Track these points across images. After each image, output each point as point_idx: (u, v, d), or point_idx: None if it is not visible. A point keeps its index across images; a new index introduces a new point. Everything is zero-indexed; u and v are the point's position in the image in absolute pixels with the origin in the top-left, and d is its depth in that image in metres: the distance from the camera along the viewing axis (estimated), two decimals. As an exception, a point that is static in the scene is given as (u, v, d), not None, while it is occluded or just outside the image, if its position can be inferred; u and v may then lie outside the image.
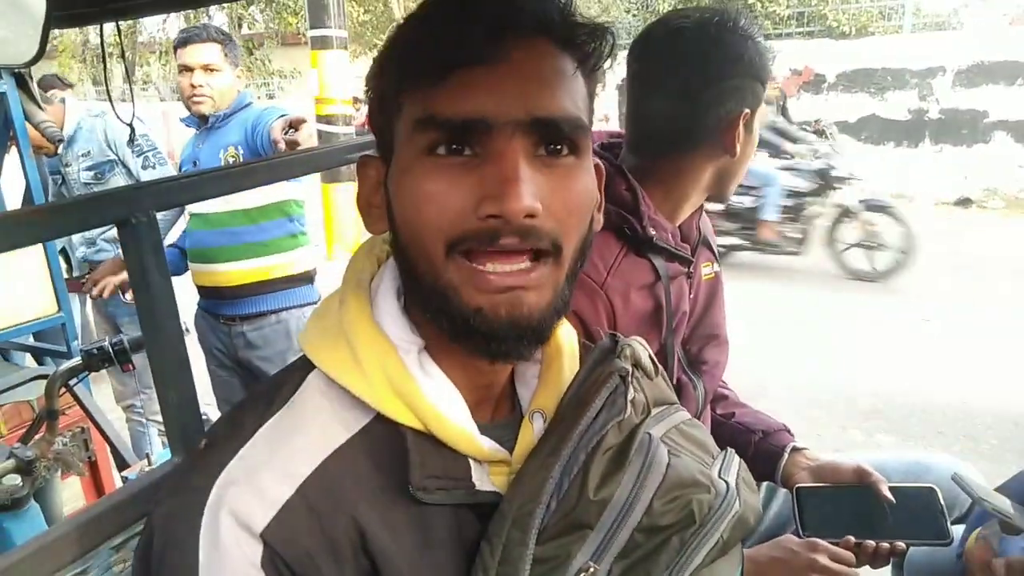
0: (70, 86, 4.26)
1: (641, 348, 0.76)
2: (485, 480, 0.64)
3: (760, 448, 1.31)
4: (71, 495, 2.19)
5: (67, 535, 0.75)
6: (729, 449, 0.79)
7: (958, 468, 1.15)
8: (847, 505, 1.14)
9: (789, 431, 1.34)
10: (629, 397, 0.68)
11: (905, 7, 11.89)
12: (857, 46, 10.33)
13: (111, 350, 1.67)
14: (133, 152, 2.90)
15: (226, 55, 2.42)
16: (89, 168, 2.93)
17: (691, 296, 1.26)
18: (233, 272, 2.41)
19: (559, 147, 0.60)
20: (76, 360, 1.70)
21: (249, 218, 2.38)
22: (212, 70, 2.38)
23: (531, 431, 0.68)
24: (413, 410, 0.61)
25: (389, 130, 0.63)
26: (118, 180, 2.94)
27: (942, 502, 1.10)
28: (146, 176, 2.90)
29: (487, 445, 0.64)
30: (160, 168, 2.93)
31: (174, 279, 2.60)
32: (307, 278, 2.54)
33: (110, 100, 1.70)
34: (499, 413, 0.72)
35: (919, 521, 1.09)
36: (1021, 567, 0.92)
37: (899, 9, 12.11)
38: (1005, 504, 0.96)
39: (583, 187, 0.62)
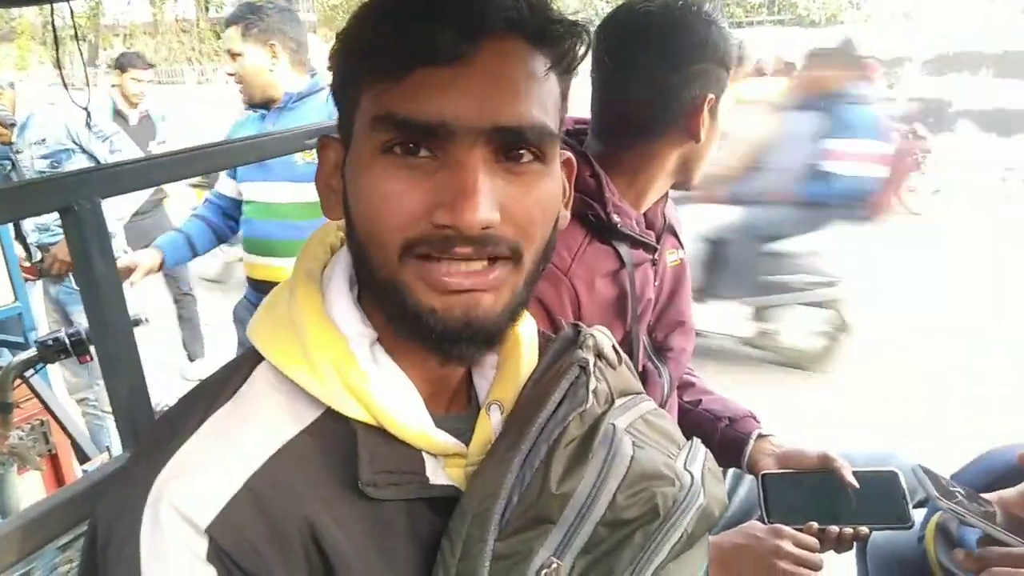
0: (151, 66, 4.28)
1: (604, 338, 0.75)
2: (440, 474, 0.63)
3: (726, 435, 1.32)
4: (30, 489, 2.14)
5: (8, 535, 0.72)
6: (695, 439, 0.79)
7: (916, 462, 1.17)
8: (811, 491, 1.14)
9: (755, 417, 1.34)
10: (591, 387, 0.67)
11: (874, -4, 12.02)
12: (827, 34, 10.42)
13: (67, 341, 1.62)
14: (97, 137, 2.82)
15: (245, 36, 2.18)
16: (45, 156, 2.86)
17: (656, 283, 1.25)
18: None
19: (521, 153, 0.58)
20: (31, 352, 1.65)
21: (316, 212, 2.20)
22: (235, 55, 2.21)
23: (488, 423, 0.67)
24: (364, 405, 0.60)
25: (348, 116, 0.61)
26: (74, 167, 2.86)
27: (904, 486, 1.12)
28: (114, 160, 2.81)
29: (440, 438, 0.63)
30: (126, 151, 2.87)
31: (199, 257, 2.44)
32: None
33: (64, 84, 1.64)
34: (456, 405, 0.70)
35: (882, 505, 1.11)
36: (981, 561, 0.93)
37: (868, -2, 12.24)
38: (960, 504, 0.97)
39: (546, 193, 0.60)
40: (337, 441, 0.60)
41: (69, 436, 2.05)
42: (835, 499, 1.13)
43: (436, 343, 0.58)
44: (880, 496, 1.11)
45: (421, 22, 0.54)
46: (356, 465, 0.58)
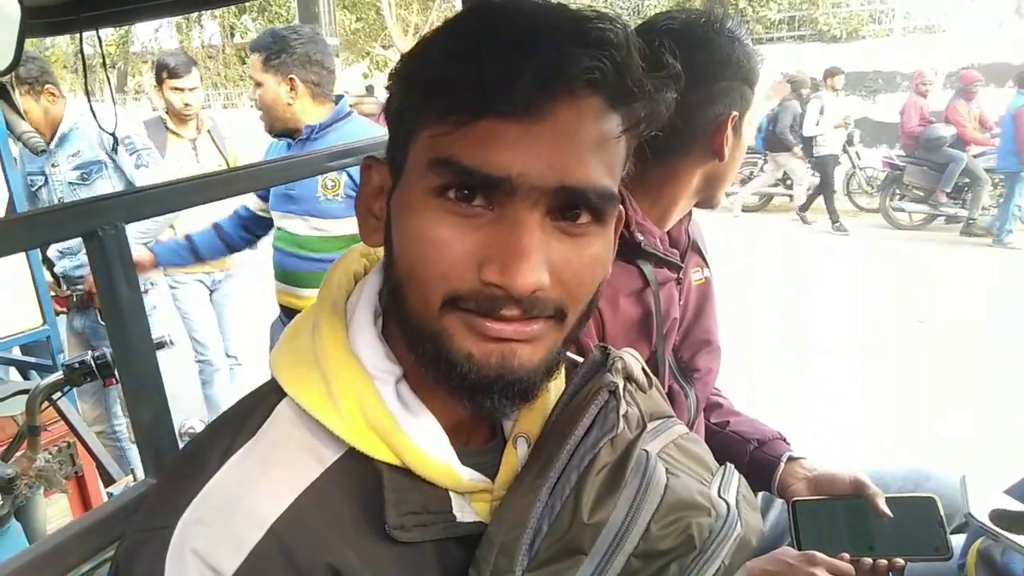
0: (192, 66, 3.60)
1: (634, 360, 0.73)
2: (467, 510, 0.61)
3: (755, 458, 1.29)
4: (58, 511, 2.15)
5: (32, 562, 0.71)
6: (728, 464, 0.76)
7: (964, 473, 1.13)
8: (844, 519, 1.11)
9: (785, 439, 1.31)
10: (621, 412, 0.64)
11: (895, 11, 11.94)
12: (848, 49, 10.36)
13: (93, 364, 1.63)
14: (127, 149, 2.81)
15: (266, 67, 2.17)
16: (77, 168, 2.85)
17: (681, 302, 1.24)
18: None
19: (579, 213, 0.55)
20: (58, 375, 1.67)
21: (339, 245, 2.19)
22: (257, 83, 2.22)
23: (515, 457, 0.65)
24: (390, 445, 0.58)
25: (403, 148, 0.58)
26: (103, 183, 2.86)
27: (942, 513, 1.08)
28: (139, 175, 2.82)
29: (468, 477, 0.61)
30: (152, 167, 2.85)
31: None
32: None
33: (92, 110, 1.68)
34: (479, 438, 0.68)
35: (918, 534, 1.07)
36: None
37: (889, 13, 12.16)
38: (1003, 521, 0.92)
39: (598, 256, 0.58)
40: (361, 482, 0.58)
41: (95, 458, 2.06)
42: (869, 528, 1.09)
43: (468, 392, 0.56)
44: (916, 524, 1.07)
45: (499, 69, 0.51)
46: (381, 507, 0.57)
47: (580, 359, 0.76)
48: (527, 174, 0.52)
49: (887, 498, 1.09)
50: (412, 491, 0.58)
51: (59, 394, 1.80)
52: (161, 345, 1.74)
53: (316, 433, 0.58)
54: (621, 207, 0.68)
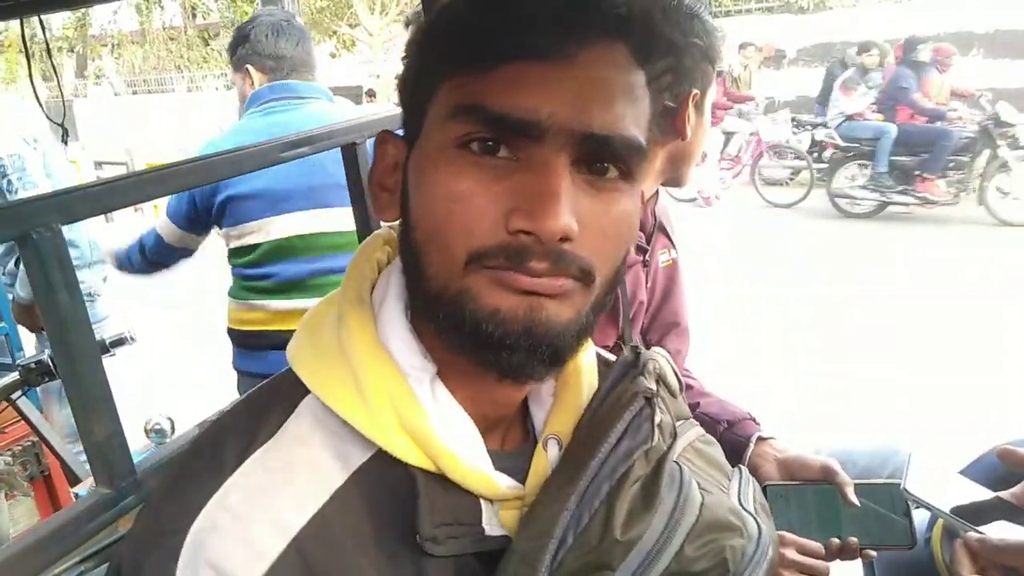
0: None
1: (665, 362, 0.70)
2: (494, 523, 0.58)
3: (726, 439, 1.29)
4: (25, 511, 2.11)
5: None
6: (743, 468, 0.75)
7: (916, 451, 1.13)
8: (813, 505, 1.12)
9: (755, 420, 1.31)
10: (656, 421, 0.61)
11: (861, -21, 11.98)
12: (816, 20, 10.39)
13: (51, 363, 1.59)
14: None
15: (230, 62, 2.07)
16: None
17: (648, 284, 1.23)
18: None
19: (607, 167, 0.54)
20: (14, 375, 1.62)
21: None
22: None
23: (545, 459, 0.61)
24: (425, 449, 0.55)
25: (420, 110, 0.56)
26: None
27: (908, 501, 1.09)
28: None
29: (502, 484, 0.58)
30: (24, 192, 2.41)
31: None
32: None
33: (37, 99, 1.61)
34: (512, 440, 0.64)
35: (885, 523, 1.08)
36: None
37: (856, -19, 12.20)
38: (961, 495, 0.94)
39: (627, 213, 0.55)
40: (386, 487, 0.54)
41: (58, 458, 2.01)
42: (838, 514, 1.10)
43: (495, 351, 0.52)
44: (883, 513, 1.08)
45: (523, 12, 0.51)
46: (407, 516, 0.53)
47: (613, 357, 0.73)
48: (556, 116, 0.50)
49: (855, 484, 1.09)
50: (445, 499, 0.55)
51: (19, 393, 1.76)
52: (121, 342, 1.70)
53: (342, 434, 0.55)
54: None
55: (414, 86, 0.58)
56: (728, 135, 8.66)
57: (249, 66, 2.05)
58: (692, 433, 0.72)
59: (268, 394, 0.60)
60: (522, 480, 0.60)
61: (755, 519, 0.63)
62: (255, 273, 1.97)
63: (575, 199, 0.51)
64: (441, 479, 0.55)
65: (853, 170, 7.58)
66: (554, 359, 0.54)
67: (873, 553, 1.06)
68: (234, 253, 2.00)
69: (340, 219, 1.90)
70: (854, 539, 1.05)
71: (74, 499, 1.97)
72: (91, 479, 0.82)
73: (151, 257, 2.12)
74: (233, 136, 1.98)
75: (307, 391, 0.57)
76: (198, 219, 1.99)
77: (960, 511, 0.92)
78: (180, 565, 0.48)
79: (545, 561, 0.53)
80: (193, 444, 0.59)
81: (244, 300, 2.00)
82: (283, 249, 1.93)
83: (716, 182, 8.25)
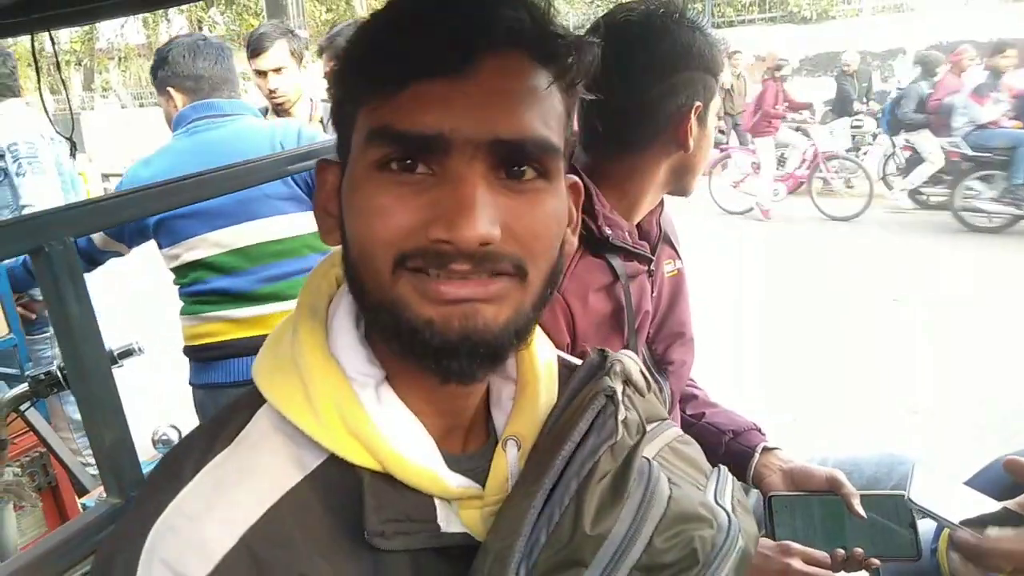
0: (290, 34, 2.48)
1: (632, 363, 0.72)
2: (452, 520, 0.59)
3: (731, 449, 1.29)
4: (33, 521, 2.11)
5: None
6: (721, 468, 0.75)
7: (919, 462, 1.13)
8: (819, 515, 1.11)
9: (760, 430, 1.31)
10: (620, 417, 0.63)
11: (864, -10, 12.02)
12: (819, 30, 10.42)
13: (60, 374, 1.60)
14: (11, 157, 2.56)
15: (155, 88, 2.04)
16: None
17: (654, 295, 1.23)
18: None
19: (523, 170, 0.55)
20: (23, 387, 1.63)
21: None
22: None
23: (504, 461, 0.63)
24: (369, 450, 0.57)
25: (346, 136, 0.59)
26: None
27: (913, 512, 1.09)
28: (24, 184, 2.56)
29: (454, 483, 0.60)
30: (30, 176, 2.54)
31: None
32: None
33: (45, 111, 1.63)
34: (472, 442, 0.66)
35: (890, 535, 1.08)
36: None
37: (858, -8, 12.24)
38: (967, 505, 0.94)
39: (550, 211, 0.57)
40: (341, 489, 0.57)
41: (66, 469, 2.02)
42: (843, 526, 1.10)
43: (434, 359, 0.54)
44: (888, 525, 1.08)
45: (420, 35, 0.53)
46: (361, 514, 0.55)
47: (578, 361, 0.74)
48: (459, 128, 0.52)
49: (861, 495, 1.09)
50: (394, 498, 0.57)
51: (28, 404, 1.77)
52: (129, 353, 1.71)
53: (297, 439, 0.57)
54: (577, 179, 0.67)
55: (339, 114, 0.61)
56: (783, 147, 8.35)
57: (170, 88, 2.04)
58: (670, 433, 0.73)
59: (230, 409, 0.62)
60: (483, 482, 0.62)
61: (727, 512, 0.65)
62: (203, 289, 2.00)
63: (495, 204, 0.53)
64: (390, 479, 0.57)
65: (976, 182, 6.99)
66: (494, 359, 0.56)
67: (877, 563, 1.06)
68: (178, 272, 2.03)
69: (273, 228, 1.97)
70: (859, 549, 1.04)
71: (81, 510, 1.98)
72: (99, 490, 0.82)
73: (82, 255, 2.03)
74: (160, 157, 2.00)
75: (263, 402, 0.59)
76: (127, 233, 2.01)
77: (967, 521, 0.92)
78: (140, 565, 0.51)
79: (515, 558, 0.55)
80: (161, 460, 0.62)
81: (197, 315, 2.03)
82: (225, 263, 1.97)
83: (769, 194, 8.04)
